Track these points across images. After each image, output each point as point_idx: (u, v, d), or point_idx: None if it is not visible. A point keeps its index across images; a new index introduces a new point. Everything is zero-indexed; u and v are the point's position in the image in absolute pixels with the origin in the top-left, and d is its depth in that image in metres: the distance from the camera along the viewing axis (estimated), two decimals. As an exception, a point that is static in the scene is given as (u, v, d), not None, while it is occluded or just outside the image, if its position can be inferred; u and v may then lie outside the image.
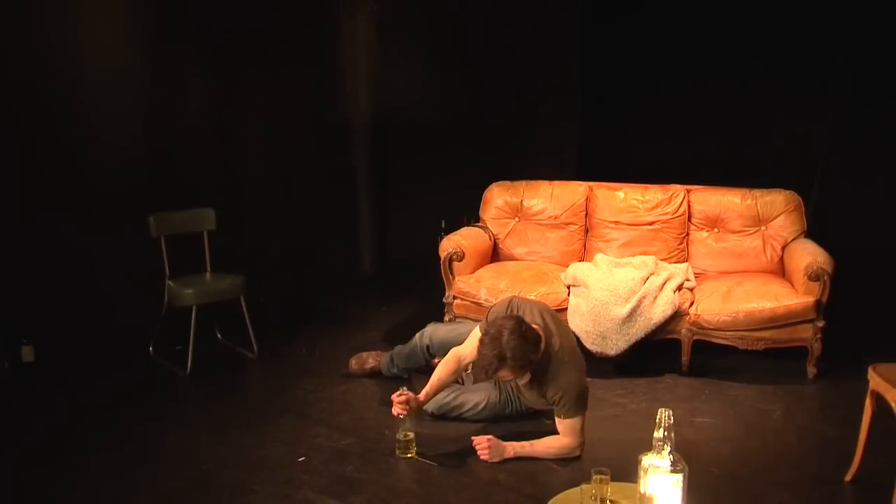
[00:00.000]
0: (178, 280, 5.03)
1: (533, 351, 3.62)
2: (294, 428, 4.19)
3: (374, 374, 4.86)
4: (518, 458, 3.79)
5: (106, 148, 5.44)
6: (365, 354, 4.96)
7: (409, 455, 3.83)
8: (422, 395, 3.92)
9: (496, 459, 3.75)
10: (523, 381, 3.84)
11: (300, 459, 3.84)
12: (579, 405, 3.76)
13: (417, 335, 4.59)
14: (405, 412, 3.82)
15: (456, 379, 4.49)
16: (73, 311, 5.15)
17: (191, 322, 4.89)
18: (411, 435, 3.84)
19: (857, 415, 3.52)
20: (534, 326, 3.70)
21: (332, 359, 5.15)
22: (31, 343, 5.01)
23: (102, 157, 5.43)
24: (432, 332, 4.55)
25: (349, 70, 7.01)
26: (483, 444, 3.77)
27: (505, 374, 3.65)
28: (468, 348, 3.96)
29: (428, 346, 4.52)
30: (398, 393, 3.85)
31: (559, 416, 3.78)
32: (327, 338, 5.57)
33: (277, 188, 6.52)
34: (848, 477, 3.60)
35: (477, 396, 4.14)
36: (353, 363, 4.93)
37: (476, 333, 3.92)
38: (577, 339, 4.83)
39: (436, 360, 4.63)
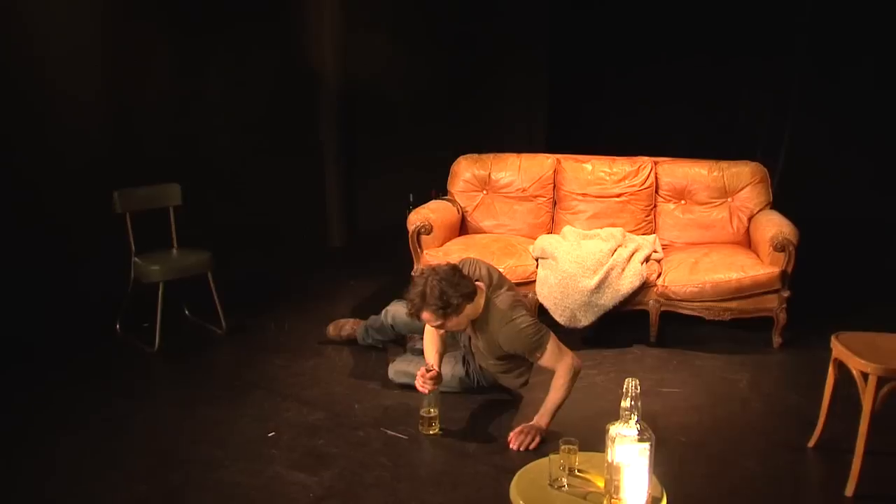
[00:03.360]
0: (144, 256, 4.97)
1: (455, 296, 3.63)
2: (263, 403, 4.18)
3: (350, 341, 4.89)
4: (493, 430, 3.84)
5: (69, 124, 5.34)
6: (342, 321, 4.99)
7: (433, 432, 3.81)
8: (433, 366, 3.90)
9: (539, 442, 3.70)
10: (463, 329, 3.88)
11: (270, 435, 3.83)
12: (541, 337, 3.74)
13: (383, 313, 4.64)
14: (434, 388, 3.81)
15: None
16: (37, 289, 5.09)
17: (158, 298, 4.85)
18: (435, 412, 3.81)
19: (821, 382, 3.58)
20: (475, 281, 3.78)
21: (301, 333, 5.13)
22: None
23: (66, 133, 5.34)
24: (394, 312, 4.57)
25: (316, 44, 6.94)
26: (526, 439, 3.67)
27: (427, 316, 3.67)
28: None
29: (392, 325, 4.59)
30: (426, 369, 3.84)
31: (535, 359, 3.78)
32: (296, 312, 5.55)
33: (244, 162, 6.45)
34: (811, 443, 3.67)
35: (444, 369, 4.13)
36: (331, 329, 4.96)
37: None
38: (546, 311, 4.89)
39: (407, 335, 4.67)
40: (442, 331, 3.96)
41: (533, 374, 4.04)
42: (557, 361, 3.75)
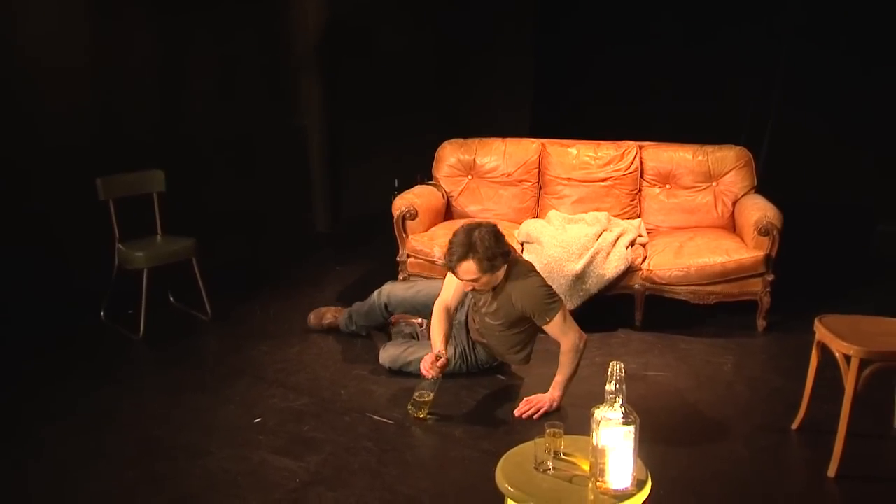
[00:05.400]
0: (128, 243, 4.95)
1: (501, 253, 3.69)
2: (249, 389, 4.18)
3: (332, 329, 4.88)
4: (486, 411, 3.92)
5: (52, 109, 5.29)
6: (324, 309, 4.98)
7: (422, 416, 3.80)
8: (444, 352, 3.90)
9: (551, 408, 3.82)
10: (484, 289, 3.86)
11: (256, 421, 3.83)
12: (554, 303, 3.79)
13: (375, 293, 4.61)
14: (438, 375, 3.81)
15: (412, 334, 4.55)
16: (20, 276, 5.05)
17: (143, 285, 4.83)
18: (429, 397, 3.80)
19: (804, 365, 3.61)
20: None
21: (286, 320, 5.13)
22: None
23: (49, 119, 5.28)
24: (389, 290, 4.58)
25: (300, 28, 6.90)
26: (531, 410, 3.80)
27: (469, 266, 3.66)
28: (448, 293, 4.04)
29: (386, 305, 4.56)
30: (436, 356, 3.83)
31: (545, 324, 3.81)
32: (281, 299, 5.54)
33: (228, 148, 6.42)
34: (794, 425, 3.70)
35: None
36: (312, 318, 4.95)
37: (450, 278, 3.98)
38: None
39: (395, 317, 4.67)
40: (449, 303, 4.03)
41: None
42: (564, 334, 3.80)
